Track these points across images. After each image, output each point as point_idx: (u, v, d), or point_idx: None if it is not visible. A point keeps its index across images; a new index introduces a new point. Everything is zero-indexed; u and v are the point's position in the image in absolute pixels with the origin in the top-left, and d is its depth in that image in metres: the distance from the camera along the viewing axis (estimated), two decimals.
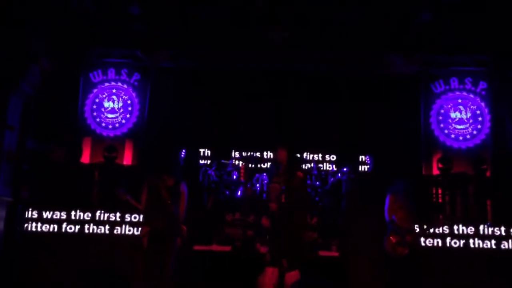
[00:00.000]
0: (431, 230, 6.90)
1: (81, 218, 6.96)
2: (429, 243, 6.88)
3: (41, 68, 7.51)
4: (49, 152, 7.96)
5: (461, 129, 9.20)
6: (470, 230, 6.93)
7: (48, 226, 6.93)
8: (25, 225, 6.92)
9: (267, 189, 5.83)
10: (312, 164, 8.92)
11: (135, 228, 6.81)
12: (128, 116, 9.35)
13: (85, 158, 9.05)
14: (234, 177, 8.49)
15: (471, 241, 6.90)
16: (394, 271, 6.03)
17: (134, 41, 8.74)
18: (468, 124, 9.20)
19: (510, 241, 6.86)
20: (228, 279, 6.06)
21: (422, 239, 6.86)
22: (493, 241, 6.87)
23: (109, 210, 6.94)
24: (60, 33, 8.16)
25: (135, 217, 6.90)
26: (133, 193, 5.83)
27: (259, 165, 9.42)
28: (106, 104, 9.38)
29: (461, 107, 9.27)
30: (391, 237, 6.01)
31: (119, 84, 9.44)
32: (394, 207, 6.14)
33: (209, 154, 9.24)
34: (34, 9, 7.21)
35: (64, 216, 6.96)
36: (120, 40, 8.96)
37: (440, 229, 6.92)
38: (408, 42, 8.56)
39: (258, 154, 9.54)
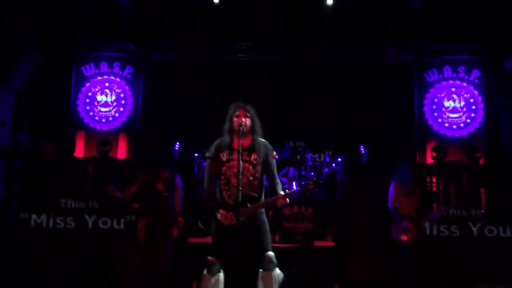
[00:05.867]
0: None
1: (76, 211, 6.93)
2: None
3: (31, 62, 7.45)
4: (41, 148, 7.91)
5: (454, 117, 9.21)
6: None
7: (42, 221, 6.90)
8: (19, 220, 6.89)
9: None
10: (306, 155, 8.91)
11: (132, 221, 6.78)
12: (121, 109, 9.31)
13: (79, 152, 9.01)
14: None
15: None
16: (401, 260, 5.86)
17: (125, 34, 8.68)
18: (461, 113, 9.22)
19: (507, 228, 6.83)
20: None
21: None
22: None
23: (103, 203, 6.92)
24: (50, 27, 8.09)
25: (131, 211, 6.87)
26: (125, 187, 5.82)
27: None
28: (99, 97, 9.34)
29: (454, 95, 9.28)
30: (396, 225, 5.83)
31: (112, 77, 9.39)
32: (398, 194, 5.92)
33: (203, 146, 9.20)
34: (23, 2, 7.12)
35: (58, 210, 6.93)
36: (111, 33, 8.90)
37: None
38: (401, 31, 8.54)
39: None
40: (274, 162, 4.37)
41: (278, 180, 4.31)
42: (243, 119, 4.22)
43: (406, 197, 5.90)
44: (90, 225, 6.86)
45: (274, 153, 4.38)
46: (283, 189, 4.31)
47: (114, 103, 9.32)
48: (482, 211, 6.97)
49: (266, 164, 4.29)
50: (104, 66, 9.39)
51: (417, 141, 9.18)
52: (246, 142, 4.26)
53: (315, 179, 4.21)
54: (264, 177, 4.40)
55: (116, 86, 9.37)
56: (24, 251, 6.72)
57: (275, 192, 4.20)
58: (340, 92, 9.38)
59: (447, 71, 9.32)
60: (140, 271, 5.56)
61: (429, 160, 8.82)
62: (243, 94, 4.59)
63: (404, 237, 5.76)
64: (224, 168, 4.26)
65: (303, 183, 4.35)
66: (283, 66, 9.33)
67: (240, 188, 4.01)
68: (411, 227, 5.79)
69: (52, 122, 8.79)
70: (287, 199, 4.15)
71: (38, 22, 7.64)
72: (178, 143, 8.76)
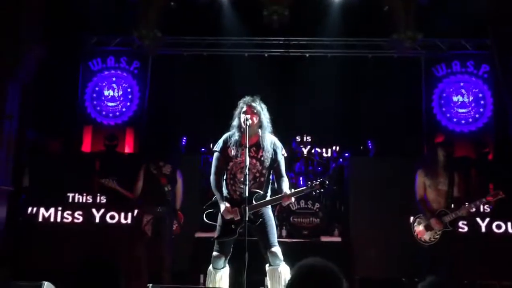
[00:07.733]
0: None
1: (82, 206, 6.96)
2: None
3: (36, 57, 7.42)
4: (46, 144, 7.93)
5: (463, 112, 9.14)
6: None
7: (49, 215, 6.94)
8: (27, 214, 6.93)
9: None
10: (313, 150, 8.88)
11: (135, 216, 6.80)
12: (128, 104, 9.32)
13: (86, 147, 9.03)
14: None
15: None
16: (420, 258, 5.31)
17: (131, 28, 8.65)
18: (470, 108, 9.15)
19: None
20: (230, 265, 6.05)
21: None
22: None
23: (109, 198, 6.93)
24: (56, 21, 8.06)
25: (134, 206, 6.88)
26: (130, 181, 5.84)
27: None
28: (106, 92, 9.35)
29: (463, 90, 9.21)
30: (419, 220, 5.29)
31: (119, 72, 9.40)
32: (424, 184, 5.28)
33: (210, 141, 9.19)
34: None
35: (65, 205, 6.96)
36: (118, 27, 8.87)
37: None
38: (409, 26, 8.46)
39: None
40: (282, 159, 4.31)
41: (285, 178, 4.24)
42: (249, 116, 4.15)
43: (433, 188, 5.27)
44: (97, 219, 6.90)
45: (283, 150, 4.33)
46: (290, 186, 4.25)
47: (121, 98, 9.33)
48: (491, 207, 6.93)
49: (273, 161, 4.25)
50: (111, 61, 9.39)
51: (425, 136, 9.12)
52: (254, 138, 4.24)
53: (321, 179, 4.17)
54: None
55: (123, 81, 9.38)
56: (32, 244, 6.76)
57: (281, 190, 4.15)
58: (348, 87, 9.32)
59: (456, 66, 9.24)
60: (145, 265, 5.58)
61: None
62: (251, 89, 4.55)
63: (426, 235, 5.23)
64: (231, 164, 4.25)
65: (309, 183, 4.28)
66: (291, 61, 9.29)
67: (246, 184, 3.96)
68: (437, 224, 5.14)
69: (59, 116, 8.79)
70: (292, 198, 4.11)
71: (44, 16, 7.60)
72: (185, 138, 8.75)
